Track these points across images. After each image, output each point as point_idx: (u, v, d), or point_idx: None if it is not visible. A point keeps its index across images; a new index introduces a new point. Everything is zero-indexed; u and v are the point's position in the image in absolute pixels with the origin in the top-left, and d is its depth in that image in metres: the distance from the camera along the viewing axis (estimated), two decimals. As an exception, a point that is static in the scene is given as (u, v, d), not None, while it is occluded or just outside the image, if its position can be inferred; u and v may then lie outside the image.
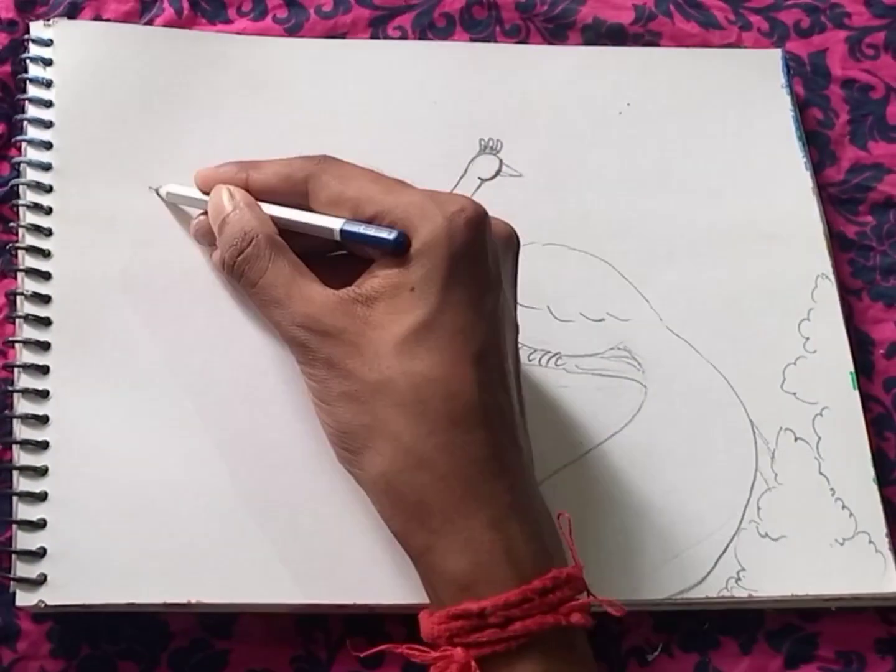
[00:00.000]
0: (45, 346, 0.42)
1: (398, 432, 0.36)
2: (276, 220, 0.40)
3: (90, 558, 0.40)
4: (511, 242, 0.40)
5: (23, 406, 0.41)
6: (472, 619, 0.34)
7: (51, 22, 0.48)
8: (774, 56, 0.53)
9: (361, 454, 0.37)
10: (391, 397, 0.36)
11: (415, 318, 0.36)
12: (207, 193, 0.42)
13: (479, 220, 0.37)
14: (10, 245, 0.44)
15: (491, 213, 0.47)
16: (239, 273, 0.39)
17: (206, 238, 0.43)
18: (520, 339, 0.45)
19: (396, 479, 0.36)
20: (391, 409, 0.36)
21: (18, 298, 0.43)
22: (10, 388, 0.42)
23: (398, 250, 0.36)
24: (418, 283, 0.36)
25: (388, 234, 0.37)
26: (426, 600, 0.40)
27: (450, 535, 0.35)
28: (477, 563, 0.35)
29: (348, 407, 0.37)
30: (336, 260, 0.41)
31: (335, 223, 0.39)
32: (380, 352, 0.36)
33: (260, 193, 0.41)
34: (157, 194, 0.45)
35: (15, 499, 0.40)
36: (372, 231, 0.37)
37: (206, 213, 0.43)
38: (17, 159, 0.45)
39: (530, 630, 0.34)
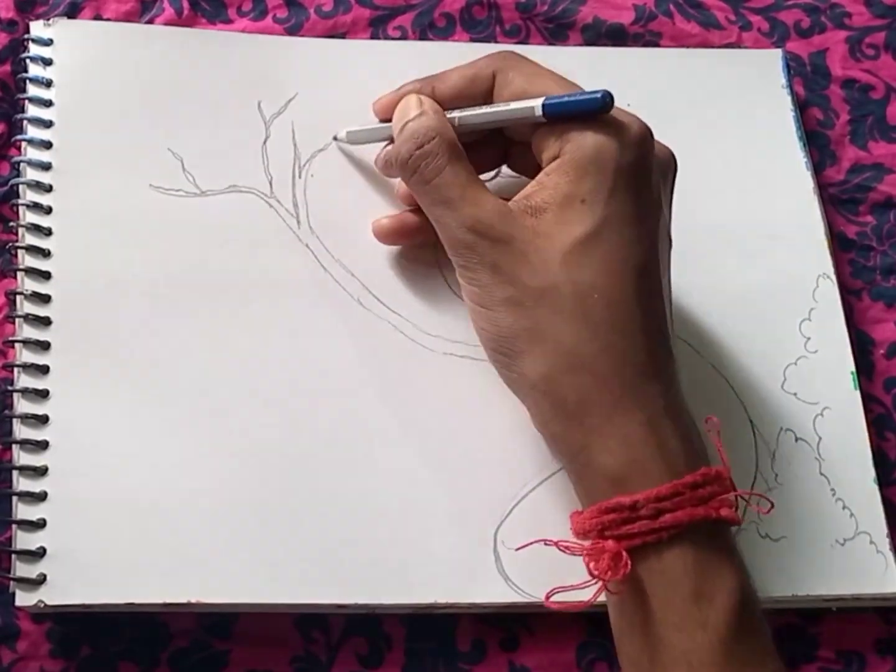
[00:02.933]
0: (44, 346, 0.42)
1: (560, 336, 0.37)
2: (467, 124, 0.41)
3: (90, 558, 0.40)
4: (670, 164, 0.41)
5: (22, 406, 0.41)
6: (623, 512, 0.36)
7: (51, 22, 0.48)
8: (775, 56, 0.53)
9: (521, 358, 0.38)
10: (555, 304, 0.37)
11: (583, 228, 0.37)
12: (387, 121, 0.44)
13: (646, 138, 0.39)
14: (10, 244, 0.44)
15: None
16: (414, 168, 0.40)
17: (390, 168, 0.44)
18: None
19: (558, 380, 0.37)
20: (555, 315, 0.37)
21: (18, 298, 0.43)
22: (9, 388, 0.42)
23: (605, 109, 0.37)
24: (588, 196, 0.37)
25: (594, 94, 0.37)
26: (426, 600, 0.41)
27: (607, 433, 0.37)
28: (631, 458, 0.37)
29: (510, 311, 0.38)
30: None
31: (535, 101, 0.39)
32: (547, 260, 0.37)
33: (447, 100, 0.42)
34: (337, 141, 0.47)
35: (15, 498, 0.40)
36: (576, 97, 0.38)
37: (391, 141, 0.43)
38: (16, 159, 0.45)
39: (681, 522, 0.35)
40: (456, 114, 0.41)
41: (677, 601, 0.35)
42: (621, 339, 0.37)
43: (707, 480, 0.36)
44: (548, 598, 0.37)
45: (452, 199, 0.39)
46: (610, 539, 0.36)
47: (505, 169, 0.48)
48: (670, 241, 0.41)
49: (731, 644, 0.35)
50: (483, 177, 0.48)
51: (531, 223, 0.38)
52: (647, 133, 0.39)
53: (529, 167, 0.41)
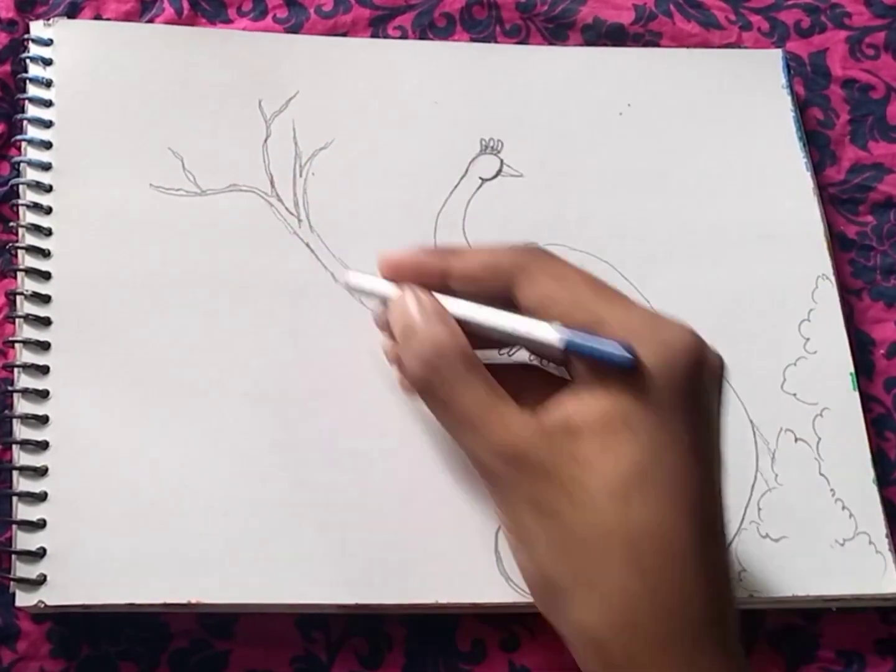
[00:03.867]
0: (45, 346, 0.42)
1: (608, 588, 0.33)
2: (473, 324, 0.36)
3: (90, 558, 0.40)
4: (719, 373, 0.36)
5: (23, 406, 0.41)
6: None
7: (51, 22, 0.48)
8: (775, 56, 0.53)
9: (565, 601, 0.34)
10: (604, 547, 0.33)
11: (630, 459, 0.33)
12: (393, 281, 0.38)
13: (699, 356, 0.34)
14: (10, 245, 0.44)
15: (492, 213, 0.47)
16: (426, 388, 0.36)
17: (388, 330, 0.39)
18: (520, 340, 0.45)
19: (605, 636, 0.33)
20: (603, 561, 0.33)
21: (18, 298, 0.43)
22: (9, 388, 0.42)
23: (626, 371, 0.33)
24: (635, 420, 0.33)
25: (618, 351, 0.32)
26: (427, 600, 0.41)
27: None
28: None
29: (553, 551, 0.34)
30: (515, 370, 0.38)
31: (555, 335, 0.34)
32: (592, 495, 0.33)
33: (461, 282, 0.37)
34: (336, 281, 0.44)
35: (15, 499, 0.40)
36: (602, 347, 0.33)
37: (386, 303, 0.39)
38: (16, 159, 0.45)
39: None
40: (469, 313, 0.36)
41: None
42: (677, 595, 0.33)
43: None
44: None
45: (474, 422, 0.34)
46: None
47: (506, 168, 0.48)
48: (720, 458, 0.36)
49: None
50: (485, 175, 0.48)
51: (570, 448, 0.33)
52: (698, 347, 0.34)
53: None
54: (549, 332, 0.34)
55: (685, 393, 0.34)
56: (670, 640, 0.33)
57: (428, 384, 0.36)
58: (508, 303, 0.36)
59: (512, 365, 0.40)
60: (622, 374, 0.33)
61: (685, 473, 0.33)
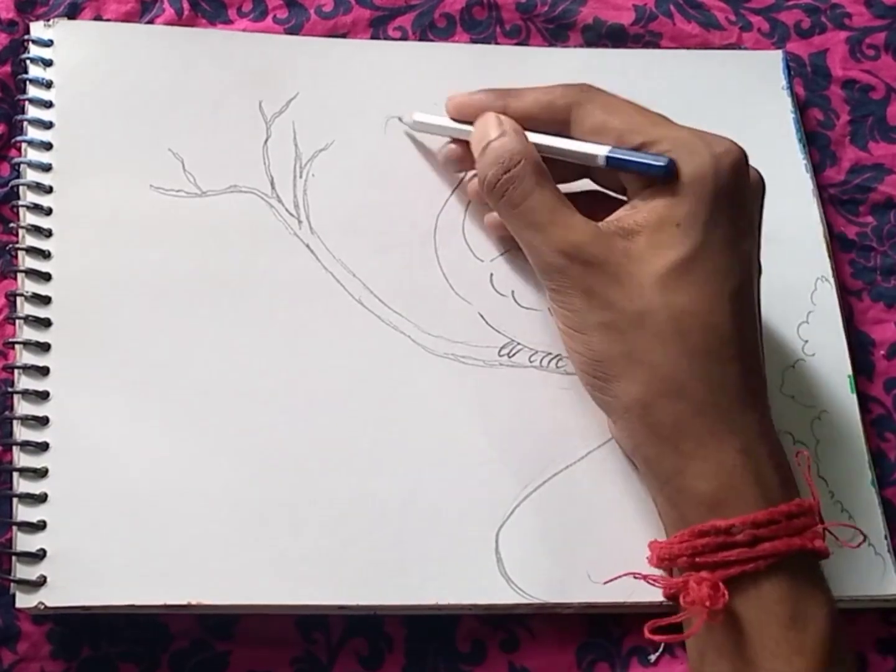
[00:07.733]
0: (45, 348, 0.42)
1: (656, 361, 0.37)
2: (537, 148, 0.41)
3: (90, 560, 0.40)
4: (759, 188, 0.41)
5: (23, 407, 0.41)
6: (719, 536, 0.36)
7: (51, 22, 0.48)
8: (776, 57, 0.53)
9: (615, 381, 0.39)
10: (651, 328, 0.37)
11: (678, 253, 0.37)
12: (457, 121, 0.44)
13: (742, 164, 0.39)
14: (10, 246, 0.44)
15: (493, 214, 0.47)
16: (501, 192, 0.40)
17: (454, 165, 0.46)
18: (520, 342, 0.45)
19: (653, 404, 0.38)
20: (650, 339, 0.37)
21: (18, 299, 0.43)
22: (10, 390, 0.42)
23: (667, 177, 0.38)
24: (683, 220, 0.37)
25: (658, 161, 0.38)
26: (427, 601, 0.41)
27: (702, 458, 0.37)
28: (727, 484, 0.37)
29: (605, 336, 0.38)
30: (582, 197, 0.42)
31: (601, 150, 0.40)
32: (641, 283, 0.37)
33: (519, 121, 0.42)
34: (401, 121, 0.48)
35: (15, 500, 0.40)
36: (640, 157, 0.38)
37: (454, 141, 0.45)
38: (17, 160, 0.45)
39: (778, 551, 0.35)
40: (535, 139, 0.41)
41: (773, 627, 0.35)
42: (717, 366, 0.37)
43: (802, 511, 0.36)
44: (649, 630, 0.36)
45: (541, 222, 0.39)
46: (703, 568, 0.36)
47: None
48: (760, 267, 0.41)
49: (828, 669, 0.35)
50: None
51: (623, 245, 0.38)
52: (743, 158, 0.39)
53: (614, 182, 0.42)
54: (595, 149, 0.40)
55: (731, 197, 0.38)
56: (711, 402, 0.37)
57: (502, 187, 0.40)
58: (561, 136, 0.42)
59: (578, 192, 0.43)
60: (672, 183, 0.38)
61: (726, 266, 0.38)
